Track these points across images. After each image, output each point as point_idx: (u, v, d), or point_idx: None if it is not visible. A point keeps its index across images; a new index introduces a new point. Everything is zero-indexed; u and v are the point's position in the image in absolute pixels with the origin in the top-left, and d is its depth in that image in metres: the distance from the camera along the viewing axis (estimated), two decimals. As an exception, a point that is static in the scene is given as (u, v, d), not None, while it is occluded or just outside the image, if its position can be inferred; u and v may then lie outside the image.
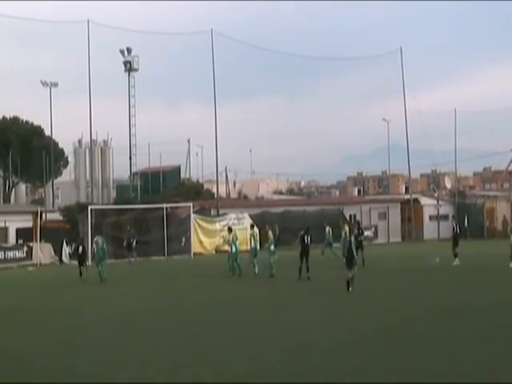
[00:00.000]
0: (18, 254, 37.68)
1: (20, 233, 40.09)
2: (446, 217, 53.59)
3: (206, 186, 72.50)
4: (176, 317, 17.44)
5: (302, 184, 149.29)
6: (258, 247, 28.83)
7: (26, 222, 40.87)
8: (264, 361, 11.75)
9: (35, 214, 41.17)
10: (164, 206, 41.55)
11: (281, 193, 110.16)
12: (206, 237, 43.38)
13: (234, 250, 27.04)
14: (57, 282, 28.84)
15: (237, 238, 28.00)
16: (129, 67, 61.74)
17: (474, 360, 11.28)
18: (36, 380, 11.04)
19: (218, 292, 22.70)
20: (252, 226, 29.25)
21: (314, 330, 14.60)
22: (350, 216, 49.53)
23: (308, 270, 24.60)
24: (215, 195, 56.61)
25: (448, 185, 67.09)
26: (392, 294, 20.65)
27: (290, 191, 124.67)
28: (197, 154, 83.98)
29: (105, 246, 27.97)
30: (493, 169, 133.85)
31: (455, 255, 28.63)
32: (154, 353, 12.65)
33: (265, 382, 10.45)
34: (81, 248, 28.95)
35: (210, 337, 14.21)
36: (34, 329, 16.37)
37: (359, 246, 28.50)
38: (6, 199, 67.97)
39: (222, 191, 73.07)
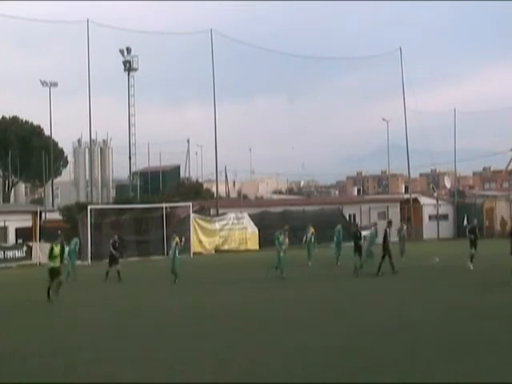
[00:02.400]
0: (18, 253, 37.69)
1: (19, 232, 40.10)
2: (445, 216, 53.63)
3: (205, 186, 72.48)
4: (176, 317, 17.44)
5: (302, 184, 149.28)
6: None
7: (26, 222, 40.88)
8: (264, 361, 11.74)
9: (35, 213, 41.19)
10: (164, 205, 41.56)
11: (280, 192, 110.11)
12: (205, 236, 43.42)
13: (177, 254, 26.71)
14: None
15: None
16: (128, 67, 61.71)
17: (474, 360, 11.28)
18: (36, 380, 11.03)
19: (218, 292, 22.69)
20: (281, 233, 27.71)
21: (314, 331, 14.60)
22: (350, 216, 49.57)
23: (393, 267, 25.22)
24: (215, 195, 56.61)
25: (447, 184, 67.10)
26: (391, 294, 20.65)
27: (290, 191, 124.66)
28: (196, 153, 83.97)
29: (77, 248, 29.31)
30: (492, 169, 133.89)
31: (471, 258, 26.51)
32: (154, 353, 12.64)
33: (265, 381, 10.44)
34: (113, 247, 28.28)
35: (210, 337, 14.20)
36: (33, 328, 16.36)
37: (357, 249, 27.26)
38: (6, 199, 67.96)
39: (222, 191, 73.08)
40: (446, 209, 54.54)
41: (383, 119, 78.09)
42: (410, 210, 52.89)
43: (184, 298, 21.26)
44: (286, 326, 15.38)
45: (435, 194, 62.15)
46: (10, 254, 37.23)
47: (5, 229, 39.62)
